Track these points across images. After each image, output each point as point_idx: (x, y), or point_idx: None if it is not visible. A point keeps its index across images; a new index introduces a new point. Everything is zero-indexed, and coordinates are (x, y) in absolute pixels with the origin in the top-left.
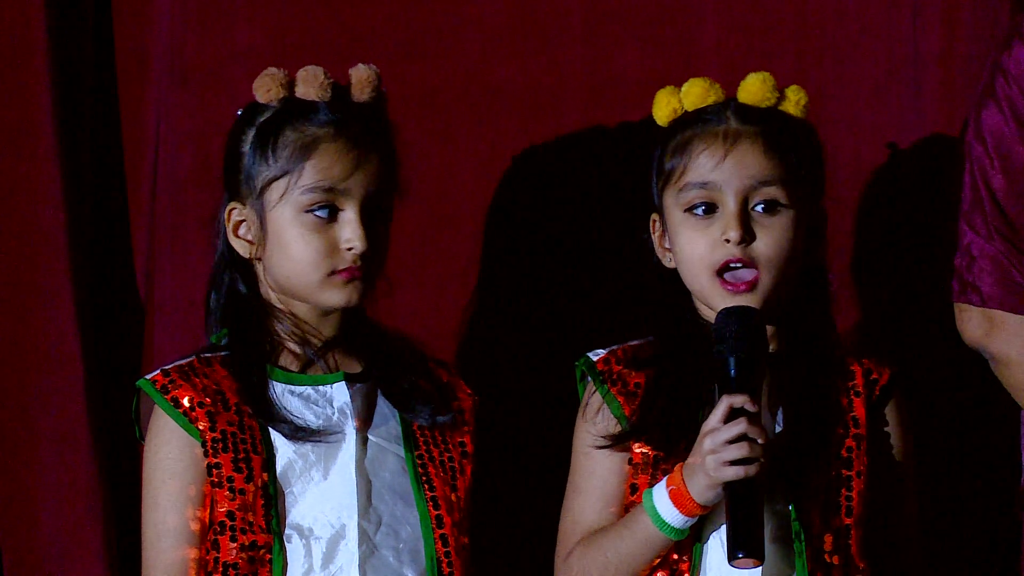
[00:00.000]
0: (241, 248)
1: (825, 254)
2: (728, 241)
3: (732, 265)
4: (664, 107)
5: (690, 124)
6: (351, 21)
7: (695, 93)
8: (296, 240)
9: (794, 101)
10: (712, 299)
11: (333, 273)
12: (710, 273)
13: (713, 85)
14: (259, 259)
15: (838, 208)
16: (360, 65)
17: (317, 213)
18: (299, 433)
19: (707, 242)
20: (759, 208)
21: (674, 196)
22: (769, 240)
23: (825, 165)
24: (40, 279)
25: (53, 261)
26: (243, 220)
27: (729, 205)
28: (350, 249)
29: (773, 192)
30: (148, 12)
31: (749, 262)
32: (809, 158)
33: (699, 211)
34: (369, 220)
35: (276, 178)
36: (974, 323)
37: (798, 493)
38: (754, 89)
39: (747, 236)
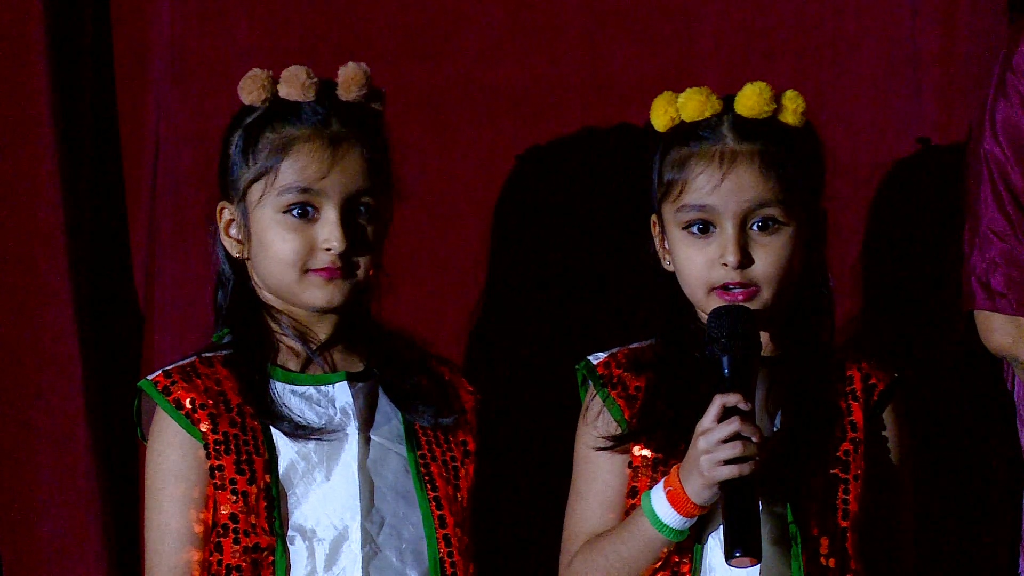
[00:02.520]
0: (231, 248)
1: (824, 255)
2: (726, 265)
3: (730, 287)
4: (662, 115)
5: (688, 139)
6: (351, 21)
7: (692, 106)
8: (275, 240)
9: (791, 109)
10: (709, 309)
11: (309, 272)
12: (707, 290)
13: (710, 96)
14: (247, 259)
15: (836, 209)
16: (350, 63)
17: (294, 214)
18: (299, 431)
19: (705, 261)
20: (756, 227)
21: (672, 212)
22: (767, 260)
23: (825, 165)
24: (39, 279)
25: (52, 261)
26: (232, 220)
27: (727, 228)
28: (328, 249)
29: (771, 212)
30: (147, 12)
31: (747, 283)
32: (807, 167)
33: (696, 230)
34: (350, 219)
35: (255, 179)
36: (1002, 330)
37: (795, 495)
38: (751, 102)
39: (745, 260)
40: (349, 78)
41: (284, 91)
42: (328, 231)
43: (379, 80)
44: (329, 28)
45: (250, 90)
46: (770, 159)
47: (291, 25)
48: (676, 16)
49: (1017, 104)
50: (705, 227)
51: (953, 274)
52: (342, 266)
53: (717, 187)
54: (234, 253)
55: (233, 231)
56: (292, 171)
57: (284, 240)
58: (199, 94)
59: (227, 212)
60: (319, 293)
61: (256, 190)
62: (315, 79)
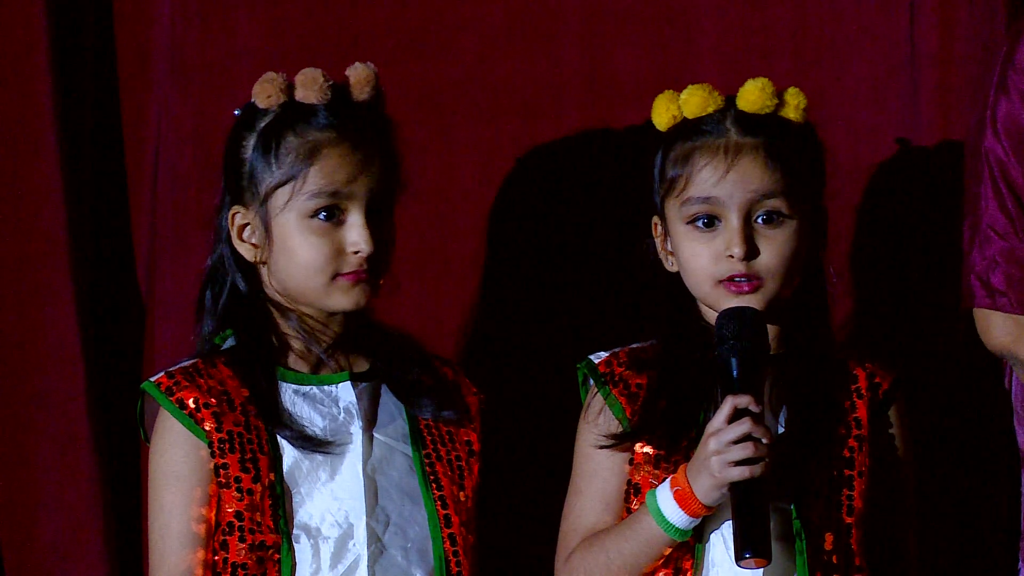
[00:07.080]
0: (246, 252)
1: (825, 253)
2: (732, 256)
3: (736, 279)
4: (664, 113)
5: (691, 134)
6: (351, 21)
7: (695, 103)
8: (301, 245)
9: (793, 105)
10: (716, 303)
11: (338, 276)
12: (713, 283)
13: (712, 93)
14: (263, 263)
15: (836, 208)
16: (357, 64)
17: (321, 218)
18: (305, 443)
19: (710, 255)
20: (761, 220)
21: (676, 208)
22: (772, 252)
23: (826, 164)
24: (40, 279)
25: (53, 261)
26: (247, 224)
27: (732, 220)
28: (356, 252)
29: (775, 204)
30: (149, 11)
31: (753, 275)
32: (810, 162)
33: (701, 224)
34: (374, 221)
35: (280, 184)
36: (1001, 329)
37: (799, 492)
38: (753, 97)
39: (751, 252)
40: (361, 79)
41: (300, 94)
42: (357, 234)
43: (379, 80)
44: (329, 28)
45: (268, 93)
46: (775, 152)
47: (291, 25)
48: (674, 17)
49: (1018, 102)
50: (710, 221)
51: (953, 273)
52: (368, 268)
53: (722, 179)
54: (249, 258)
55: (247, 235)
56: (321, 176)
57: (311, 245)
58: (200, 94)
59: (240, 216)
60: (345, 297)
61: (281, 195)
62: (331, 81)
